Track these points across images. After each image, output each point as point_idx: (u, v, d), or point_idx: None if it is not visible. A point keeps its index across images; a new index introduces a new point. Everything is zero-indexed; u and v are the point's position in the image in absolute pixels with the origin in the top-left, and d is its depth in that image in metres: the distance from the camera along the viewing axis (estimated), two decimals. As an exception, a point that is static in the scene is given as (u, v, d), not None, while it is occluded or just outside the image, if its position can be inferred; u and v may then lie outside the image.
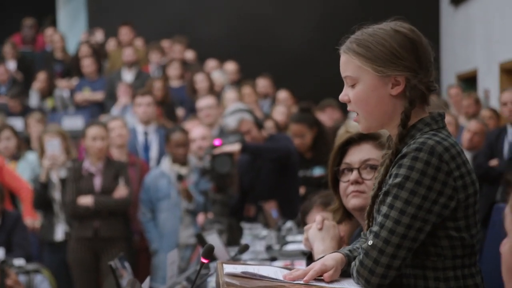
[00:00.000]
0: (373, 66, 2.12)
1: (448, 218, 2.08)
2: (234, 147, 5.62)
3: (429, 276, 2.10)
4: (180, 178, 6.39)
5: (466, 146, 7.04)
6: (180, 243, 6.47)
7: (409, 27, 2.17)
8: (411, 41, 2.14)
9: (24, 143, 7.81)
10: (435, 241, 2.08)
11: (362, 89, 2.15)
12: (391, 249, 2.03)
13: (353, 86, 2.17)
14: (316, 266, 2.15)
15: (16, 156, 7.28)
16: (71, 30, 13.22)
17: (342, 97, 2.21)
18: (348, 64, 2.17)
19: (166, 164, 6.61)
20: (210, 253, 2.29)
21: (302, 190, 6.15)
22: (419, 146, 2.05)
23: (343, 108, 9.76)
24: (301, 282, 2.12)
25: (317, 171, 6.23)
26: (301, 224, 3.99)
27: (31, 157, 7.21)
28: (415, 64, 2.13)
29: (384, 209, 2.07)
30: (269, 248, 4.49)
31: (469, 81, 11.11)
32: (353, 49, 2.15)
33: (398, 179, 2.05)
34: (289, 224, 5.07)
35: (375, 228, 2.07)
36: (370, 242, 2.06)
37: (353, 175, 2.65)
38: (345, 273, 2.20)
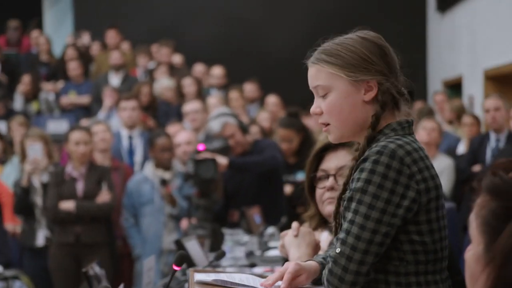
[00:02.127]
0: (345, 72, 2.12)
1: (410, 222, 2.07)
2: (221, 160, 5.61)
3: (391, 281, 2.09)
4: (164, 182, 6.36)
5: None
6: (164, 249, 6.43)
7: (376, 35, 2.19)
8: (379, 47, 2.16)
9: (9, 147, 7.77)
10: (397, 245, 2.08)
11: (335, 97, 2.15)
12: (358, 255, 2.03)
13: (324, 96, 2.16)
14: (290, 266, 2.15)
15: (2, 160, 7.23)
16: (57, 32, 13.17)
17: (313, 109, 2.19)
18: (319, 74, 2.17)
19: (150, 168, 6.57)
20: (182, 261, 2.27)
21: (288, 189, 6.13)
22: (380, 149, 2.05)
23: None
24: None
25: (301, 176, 6.22)
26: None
27: (16, 161, 7.17)
28: (385, 68, 2.15)
29: (349, 215, 2.06)
30: (250, 254, 4.47)
31: (454, 88, 11.15)
32: (323, 59, 2.16)
33: (360, 184, 2.05)
34: (271, 229, 5.06)
35: (341, 235, 2.07)
36: (337, 250, 2.05)
37: (329, 182, 2.64)
38: (319, 282, 2.19)
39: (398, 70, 2.18)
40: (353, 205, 2.05)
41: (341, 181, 2.62)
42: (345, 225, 2.06)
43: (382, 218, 2.02)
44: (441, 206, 2.11)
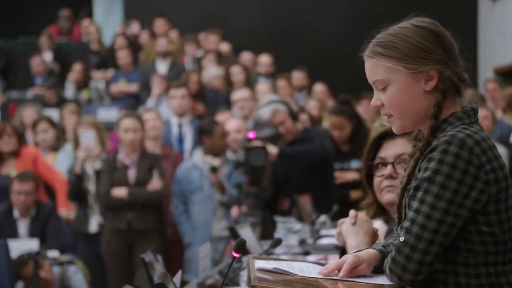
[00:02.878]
0: (404, 65, 2.09)
1: (478, 213, 2.04)
2: (271, 149, 5.60)
3: (460, 272, 2.06)
4: (214, 170, 6.37)
5: None
6: (213, 236, 6.45)
7: (430, 21, 2.14)
8: (435, 34, 2.11)
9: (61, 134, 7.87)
10: (466, 236, 2.05)
11: (395, 90, 2.11)
12: (423, 245, 2.00)
13: (384, 89, 2.13)
14: (349, 258, 2.13)
15: (55, 147, 7.33)
16: (106, 21, 13.28)
17: (374, 102, 2.17)
18: (376, 68, 2.13)
19: (198, 156, 6.60)
20: (241, 247, 2.27)
21: (350, 176, 6.09)
22: (449, 139, 2.02)
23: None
24: (336, 277, 2.10)
25: (355, 164, 6.18)
26: None
27: (70, 148, 7.25)
28: (444, 56, 2.10)
29: (414, 204, 2.04)
30: (302, 242, 4.47)
31: (506, 75, 10.97)
32: (379, 52, 2.12)
33: (428, 173, 2.02)
34: (323, 218, 5.04)
35: (406, 223, 2.04)
36: (401, 239, 2.03)
37: (388, 170, 2.62)
38: (379, 269, 2.17)
39: (457, 55, 2.14)
40: (420, 194, 2.03)
41: (399, 169, 2.61)
42: (410, 214, 2.04)
43: (449, 208, 2.00)
44: (510, 196, 2.08)
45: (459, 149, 2.00)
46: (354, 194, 6.04)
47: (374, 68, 2.14)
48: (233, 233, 3.63)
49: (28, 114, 8.11)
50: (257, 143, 5.51)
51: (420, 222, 2.01)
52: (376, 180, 2.66)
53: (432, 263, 2.03)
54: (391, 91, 2.11)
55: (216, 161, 6.50)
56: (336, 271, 2.13)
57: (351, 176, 6.12)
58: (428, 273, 2.06)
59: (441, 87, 2.09)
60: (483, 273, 2.06)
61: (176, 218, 6.64)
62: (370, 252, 2.18)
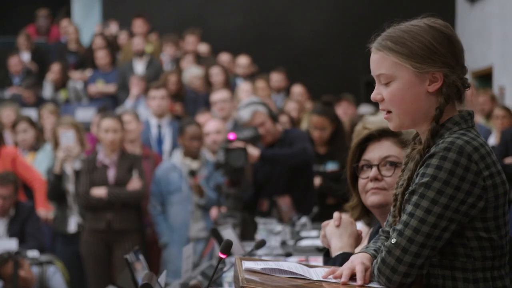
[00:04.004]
0: (411, 63, 2.07)
1: (477, 219, 2.05)
2: (252, 151, 5.61)
3: (458, 277, 2.07)
4: (193, 173, 6.36)
5: None
6: (191, 237, 6.45)
7: (444, 23, 2.13)
8: (447, 36, 2.10)
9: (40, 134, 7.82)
10: (464, 242, 2.06)
11: (398, 86, 2.10)
12: (415, 248, 2.01)
13: (387, 84, 2.12)
14: (358, 266, 2.10)
15: (35, 147, 7.29)
16: (85, 21, 13.22)
17: (374, 96, 2.15)
18: (383, 61, 2.11)
19: (178, 157, 6.59)
20: (228, 249, 2.27)
21: (317, 181, 6.11)
22: (448, 145, 2.02)
23: (357, 103, 9.73)
24: (327, 280, 2.10)
25: (330, 166, 6.21)
26: None
27: (49, 148, 7.22)
28: (452, 60, 2.09)
29: (409, 207, 2.04)
30: (283, 243, 4.48)
31: (484, 78, 11.05)
32: (388, 46, 2.10)
33: (425, 179, 2.02)
34: (303, 219, 5.06)
35: (399, 226, 2.05)
36: (393, 240, 2.03)
37: (373, 172, 2.62)
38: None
39: (464, 61, 2.13)
40: (415, 198, 2.03)
41: (384, 172, 2.62)
42: (404, 217, 2.04)
43: (444, 213, 2.00)
44: (507, 202, 2.10)
45: (458, 155, 2.01)
46: (330, 200, 6.08)
47: (380, 61, 2.12)
48: (216, 235, 3.64)
49: (6, 114, 8.07)
50: (238, 144, 5.52)
51: (413, 226, 2.01)
52: (361, 182, 2.67)
53: (423, 266, 2.04)
54: (395, 87, 2.11)
55: (195, 164, 6.48)
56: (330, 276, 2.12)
57: (317, 181, 6.13)
58: (426, 278, 2.08)
59: (445, 91, 2.08)
60: (481, 278, 2.07)
61: (153, 218, 6.63)
62: (367, 256, 2.17)
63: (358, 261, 2.13)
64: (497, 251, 2.08)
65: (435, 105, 2.10)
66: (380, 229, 2.30)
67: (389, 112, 2.14)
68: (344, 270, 2.11)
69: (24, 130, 7.23)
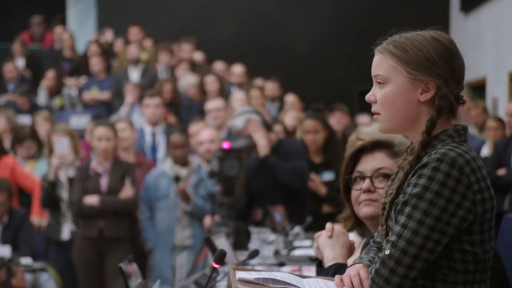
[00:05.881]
0: (407, 68, 2.12)
1: (463, 232, 2.07)
2: (261, 149, 5.65)
3: None
4: (177, 179, 6.37)
5: None
6: (176, 244, 6.44)
7: (449, 38, 2.17)
8: (448, 51, 2.14)
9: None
10: (448, 254, 2.08)
11: (391, 89, 2.14)
12: (408, 260, 2.03)
13: (382, 86, 2.16)
14: (363, 273, 2.13)
15: (35, 156, 7.28)
16: (80, 28, 13.24)
17: (368, 97, 2.19)
18: (382, 63, 2.16)
19: (168, 164, 6.60)
20: (222, 259, 2.28)
21: (323, 190, 6.10)
22: (440, 157, 2.04)
23: (351, 113, 9.77)
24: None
25: (327, 176, 6.20)
26: None
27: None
28: (448, 73, 2.12)
29: (402, 219, 2.06)
30: (276, 253, 4.48)
31: (477, 90, 11.09)
32: (389, 50, 2.15)
33: (417, 189, 2.04)
34: (296, 229, 5.07)
35: (392, 237, 2.06)
36: (387, 252, 2.05)
37: (366, 184, 2.64)
38: None
39: (462, 78, 2.16)
40: (408, 209, 2.05)
41: (377, 183, 2.63)
42: (397, 228, 2.06)
43: (436, 225, 2.02)
44: (493, 217, 2.12)
45: (450, 167, 2.03)
46: (326, 208, 6.08)
47: (380, 62, 2.17)
48: (209, 244, 3.64)
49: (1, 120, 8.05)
50: (231, 153, 5.53)
51: (407, 237, 2.03)
52: (354, 193, 2.68)
53: (416, 278, 2.06)
54: (388, 89, 2.14)
55: (183, 171, 6.48)
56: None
57: (323, 190, 6.13)
58: None
59: (437, 103, 2.11)
60: None
61: (141, 224, 6.62)
62: (363, 266, 2.18)
63: (355, 271, 2.15)
64: (480, 265, 2.10)
65: (426, 116, 2.13)
66: (371, 240, 2.32)
67: (378, 114, 2.18)
68: (347, 279, 2.14)
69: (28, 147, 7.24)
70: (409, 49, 2.13)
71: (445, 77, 2.12)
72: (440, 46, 2.13)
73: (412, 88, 2.13)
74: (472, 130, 8.37)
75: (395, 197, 2.14)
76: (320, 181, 6.18)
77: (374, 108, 2.19)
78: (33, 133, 7.36)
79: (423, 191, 2.03)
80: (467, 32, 11.76)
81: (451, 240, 2.06)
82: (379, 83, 2.17)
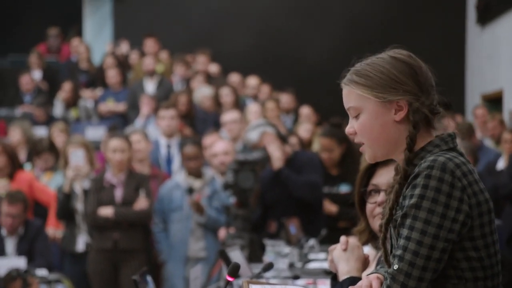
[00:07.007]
0: (374, 93, 2.14)
1: (465, 238, 2.07)
2: (275, 162, 5.65)
3: None
4: (190, 191, 6.37)
5: None
6: (190, 256, 6.44)
7: (407, 53, 2.19)
8: (409, 66, 2.16)
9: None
10: (454, 264, 2.07)
11: (365, 118, 2.16)
12: (417, 272, 2.03)
13: (357, 117, 2.18)
14: (375, 285, 2.15)
15: (53, 167, 7.30)
16: (96, 40, 13.30)
17: (348, 129, 2.22)
18: (350, 95, 2.19)
19: (182, 176, 6.61)
20: (236, 272, 2.28)
21: (333, 208, 6.08)
22: (430, 164, 2.05)
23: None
24: None
25: (344, 188, 6.17)
26: None
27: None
28: (415, 87, 2.14)
29: (405, 231, 2.06)
30: (291, 265, 4.47)
31: (494, 102, 11.03)
32: (353, 80, 2.18)
33: (414, 200, 2.05)
34: (311, 241, 5.05)
35: (398, 251, 2.06)
36: (395, 266, 2.05)
37: (381, 197, 2.63)
38: None
39: (432, 88, 2.18)
40: (408, 221, 2.05)
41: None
42: (401, 241, 2.06)
43: (439, 233, 2.03)
44: (493, 220, 2.12)
45: (442, 172, 2.04)
46: (342, 223, 6.04)
47: (348, 95, 2.20)
48: (224, 256, 3.64)
49: (15, 132, 8.10)
50: (246, 165, 5.53)
51: (412, 249, 2.03)
52: (369, 207, 2.68)
53: None
54: (362, 118, 2.16)
55: (197, 183, 6.48)
56: None
57: (334, 209, 6.10)
58: None
59: (412, 119, 2.13)
60: None
61: (155, 236, 6.63)
62: (380, 276, 2.20)
63: (368, 282, 2.16)
64: (488, 271, 2.09)
65: (406, 134, 2.14)
66: (380, 259, 2.31)
67: (363, 143, 2.20)
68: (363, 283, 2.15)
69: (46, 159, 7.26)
70: (371, 74, 2.15)
71: (413, 92, 2.14)
72: (400, 63, 2.16)
73: (385, 111, 2.15)
74: (489, 143, 8.33)
75: (389, 218, 2.15)
76: (334, 195, 6.14)
77: (356, 139, 2.21)
78: (51, 145, 7.39)
79: (420, 200, 2.04)
80: (483, 45, 11.72)
81: (454, 250, 2.06)
82: (353, 115, 2.19)
